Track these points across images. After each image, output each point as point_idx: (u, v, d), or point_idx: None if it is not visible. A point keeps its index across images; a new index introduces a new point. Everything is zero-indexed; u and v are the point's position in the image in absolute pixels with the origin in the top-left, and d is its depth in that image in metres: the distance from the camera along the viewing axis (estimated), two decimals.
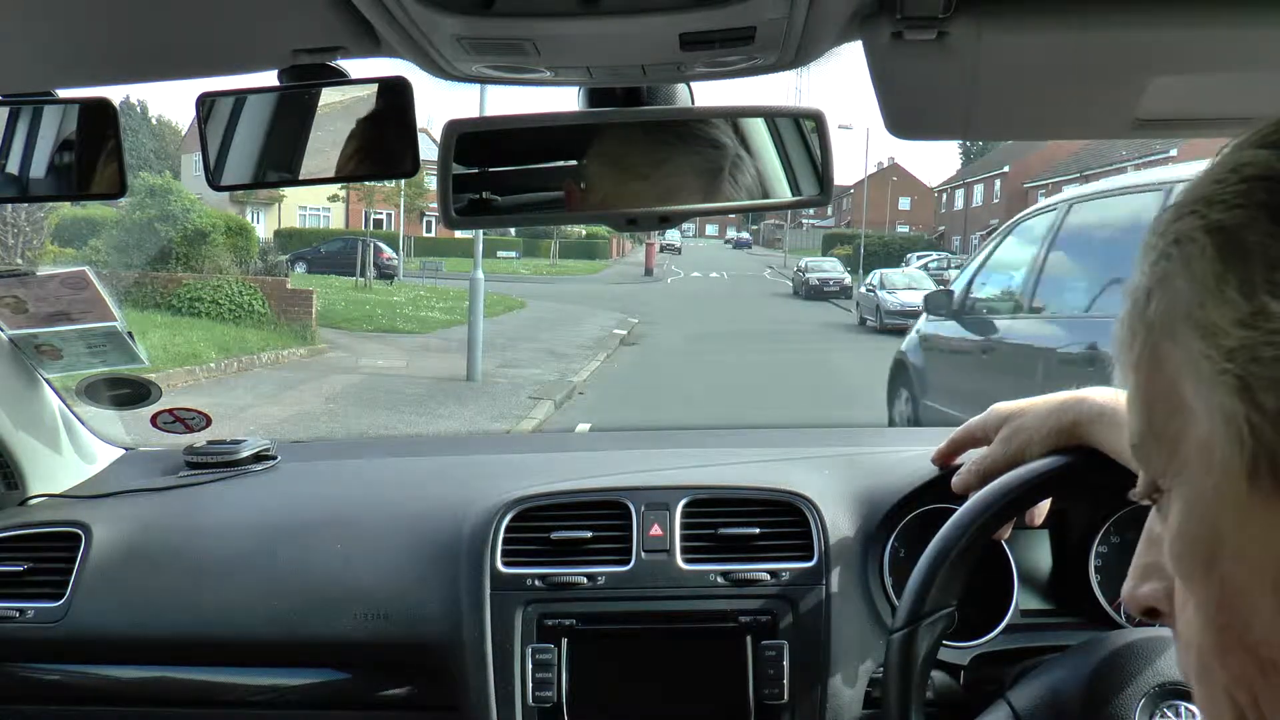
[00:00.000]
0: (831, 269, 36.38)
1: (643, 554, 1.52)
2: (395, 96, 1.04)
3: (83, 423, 1.95)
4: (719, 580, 1.50)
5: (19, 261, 14.86)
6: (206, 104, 1.06)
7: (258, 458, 1.88)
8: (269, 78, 1.03)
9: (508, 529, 1.55)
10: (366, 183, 23.63)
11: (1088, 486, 1.34)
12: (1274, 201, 0.46)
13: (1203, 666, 0.51)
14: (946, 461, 1.47)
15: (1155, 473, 0.52)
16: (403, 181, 26.50)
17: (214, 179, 1.09)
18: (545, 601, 1.50)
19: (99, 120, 1.15)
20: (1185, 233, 0.49)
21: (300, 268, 29.14)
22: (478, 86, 1.07)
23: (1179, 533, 0.50)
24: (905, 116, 1.10)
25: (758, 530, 1.53)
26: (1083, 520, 1.49)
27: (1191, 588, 0.51)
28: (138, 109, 53.55)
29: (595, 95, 1.11)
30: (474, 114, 1.30)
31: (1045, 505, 1.36)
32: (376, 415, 11.15)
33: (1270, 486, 0.45)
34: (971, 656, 1.39)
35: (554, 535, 1.54)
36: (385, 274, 28.80)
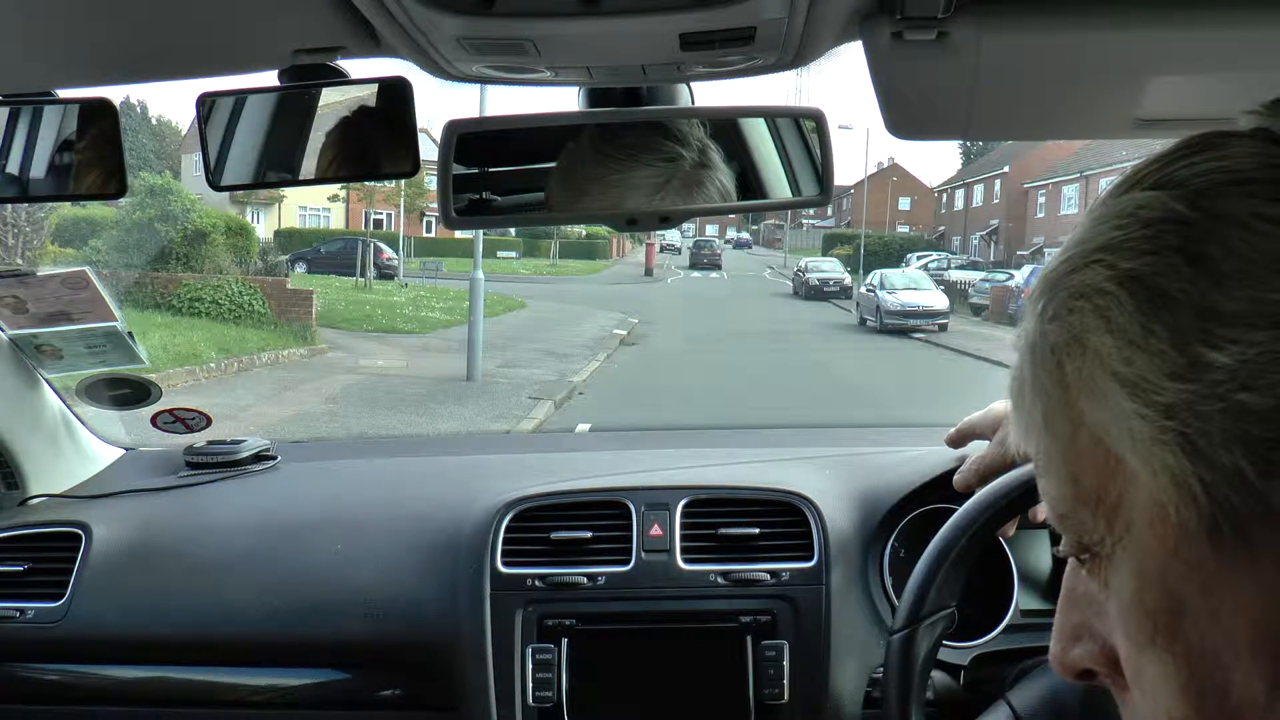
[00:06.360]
0: (831, 269, 36.35)
1: (643, 554, 1.52)
2: (395, 96, 1.04)
3: (83, 423, 1.95)
4: (719, 580, 1.50)
5: (19, 261, 14.86)
6: (206, 104, 1.06)
7: (258, 458, 1.89)
8: (269, 78, 1.03)
9: (508, 529, 1.55)
10: (366, 183, 23.61)
11: None
12: (1188, 246, 0.44)
13: None
14: (958, 443, 1.47)
15: (1092, 540, 0.49)
16: (403, 181, 26.48)
17: (214, 179, 1.09)
18: (545, 601, 1.50)
19: (99, 120, 1.15)
20: (1093, 284, 0.46)
21: (300, 268, 29.11)
22: (478, 86, 1.07)
23: (1133, 601, 0.47)
24: (905, 116, 1.10)
25: (758, 530, 1.53)
26: None
27: (1153, 656, 0.47)
28: (138, 109, 53.42)
29: (595, 95, 1.11)
30: (474, 114, 1.30)
31: None
32: (376, 415, 11.14)
33: (1235, 545, 0.42)
34: (971, 656, 1.39)
35: (554, 535, 1.54)
36: (385, 274, 28.80)
